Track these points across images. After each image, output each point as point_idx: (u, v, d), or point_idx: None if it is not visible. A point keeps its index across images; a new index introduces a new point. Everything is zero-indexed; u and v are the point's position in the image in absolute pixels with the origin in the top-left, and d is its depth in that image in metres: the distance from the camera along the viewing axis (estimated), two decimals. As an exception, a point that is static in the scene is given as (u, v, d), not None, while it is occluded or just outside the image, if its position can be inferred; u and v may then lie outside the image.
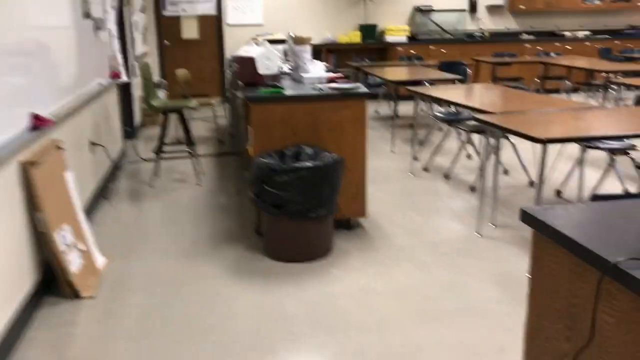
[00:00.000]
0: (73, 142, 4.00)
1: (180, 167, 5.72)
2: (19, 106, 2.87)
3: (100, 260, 3.44)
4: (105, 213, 4.42)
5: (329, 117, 3.70)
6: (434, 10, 9.93)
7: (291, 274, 3.32)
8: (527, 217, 1.46)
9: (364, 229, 3.98)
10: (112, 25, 5.63)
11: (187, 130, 5.28)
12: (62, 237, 3.05)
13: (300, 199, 3.31)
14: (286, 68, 4.78)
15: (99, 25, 4.97)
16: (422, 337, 2.66)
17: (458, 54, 9.64)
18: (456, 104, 4.27)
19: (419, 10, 9.91)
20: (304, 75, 4.14)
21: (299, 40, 4.23)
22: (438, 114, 5.67)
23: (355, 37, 9.69)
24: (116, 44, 5.80)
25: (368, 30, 9.79)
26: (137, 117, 7.46)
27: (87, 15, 4.58)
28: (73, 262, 3.08)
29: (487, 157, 3.85)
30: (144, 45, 8.53)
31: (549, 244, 1.40)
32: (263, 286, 3.19)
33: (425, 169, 5.45)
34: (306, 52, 4.23)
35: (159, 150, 5.18)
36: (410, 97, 9.27)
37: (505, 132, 3.30)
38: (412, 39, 9.81)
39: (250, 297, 3.07)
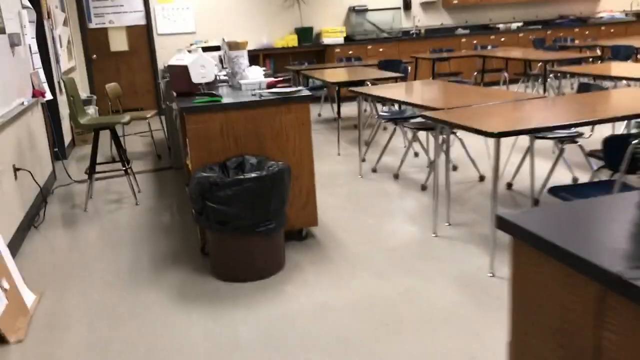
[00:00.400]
0: (-8, 168, 3.64)
1: (116, 187, 5.38)
2: None
3: (29, 298, 3.12)
4: (35, 243, 4.07)
5: (271, 123, 3.49)
6: (368, 10, 9.85)
7: (242, 295, 3.09)
8: (504, 224, 1.29)
9: (317, 238, 3.79)
10: (31, 40, 5.25)
11: (120, 147, 4.96)
12: (-18, 277, 2.72)
13: (246, 213, 3.08)
14: (223, 75, 4.54)
15: (15, 41, 4.60)
16: (387, 352, 2.48)
17: (396, 53, 9.60)
18: (400, 102, 4.13)
19: (353, 10, 9.82)
20: (242, 81, 3.91)
21: (235, 46, 4.00)
22: (382, 114, 5.54)
23: (292, 40, 9.51)
24: (37, 61, 5.42)
25: (304, 33, 9.63)
26: (67, 136, 7.04)
27: (0, 30, 4.22)
28: (-4, 304, 2.75)
29: (437, 154, 3.73)
30: (70, 60, 8.10)
31: (532, 253, 1.23)
32: (213, 311, 2.94)
33: (374, 170, 5.30)
34: (243, 57, 4.01)
35: (91, 171, 4.84)
36: (353, 98, 9.15)
37: (455, 128, 3.17)
38: (349, 39, 9.70)
39: (200, 324, 2.83)
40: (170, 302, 3.06)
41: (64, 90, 6.88)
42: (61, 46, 7.35)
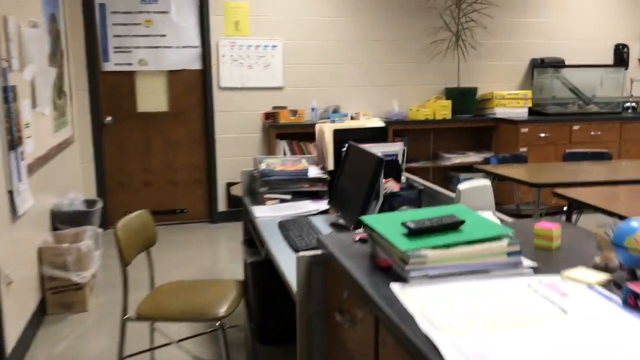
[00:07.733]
0: None
1: None
2: None
3: None
4: None
5: None
6: (565, 66, 5.96)
7: None
8: None
9: None
10: None
11: None
12: None
13: None
14: None
15: None
16: None
17: (615, 138, 5.65)
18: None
19: (540, 64, 5.93)
20: None
21: None
22: None
23: (442, 109, 5.58)
24: None
25: (463, 98, 5.72)
26: (31, 300, 3.09)
27: None
28: None
29: None
30: (62, 129, 4.24)
31: None
32: None
33: None
34: None
35: None
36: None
37: None
38: (534, 112, 5.80)
39: None
40: None
41: (27, 203, 2.98)
42: (35, 105, 3.52)
